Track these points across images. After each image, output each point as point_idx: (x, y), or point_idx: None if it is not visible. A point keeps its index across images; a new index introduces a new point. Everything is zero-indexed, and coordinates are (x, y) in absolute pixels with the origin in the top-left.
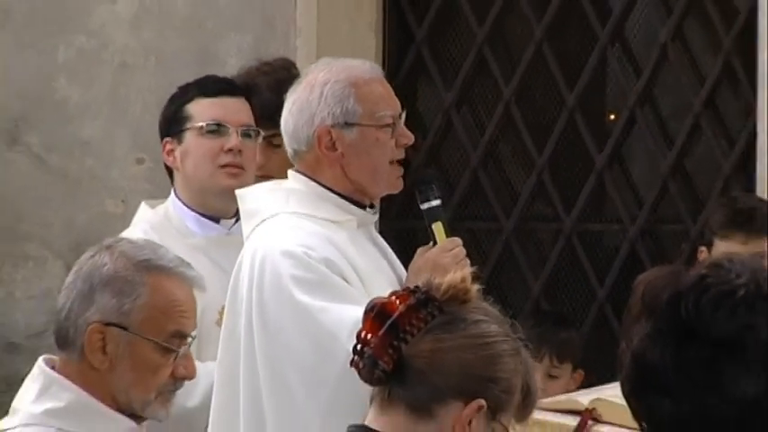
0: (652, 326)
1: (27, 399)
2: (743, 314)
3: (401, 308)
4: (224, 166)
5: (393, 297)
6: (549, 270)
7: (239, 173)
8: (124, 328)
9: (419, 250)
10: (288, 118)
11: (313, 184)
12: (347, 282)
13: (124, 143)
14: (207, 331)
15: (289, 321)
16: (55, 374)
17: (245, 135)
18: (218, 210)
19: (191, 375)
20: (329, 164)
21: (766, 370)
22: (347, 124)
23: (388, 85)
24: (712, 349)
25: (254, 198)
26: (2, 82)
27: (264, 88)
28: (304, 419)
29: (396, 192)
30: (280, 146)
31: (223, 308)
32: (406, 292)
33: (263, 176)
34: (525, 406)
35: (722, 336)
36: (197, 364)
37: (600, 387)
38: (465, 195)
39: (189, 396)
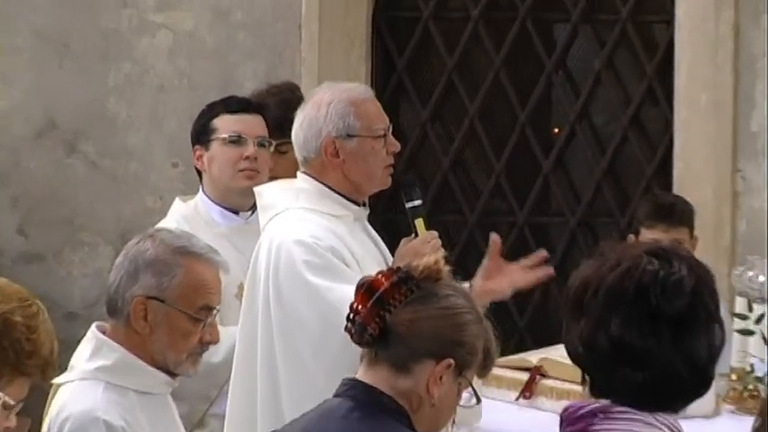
0: (625, 314)
1: (82, 357)
2: (693, 296)
3: (386, 284)
4: (243, 170)
5: (380, 276)
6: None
7: (255, 175)
8: (162, 302)
9: (403, 240)
10: (298, 131)
11: (319, 184)
12: (347, 265)
13: (161, 151)
14: (228, 302)
15: (301, 299)
16: (105, 338)
17: (261, 145)
18: (238, 204)
19: (215, 341)
20: (333, 168)
21: (707, 333)
22: (348, 136)
23: (379, 104)
24: (677, 326)
25: (270, 194)
26: (63, 101)
27: (273, 106)
28: (312, 378)
29: (386, 187)
30: (285, 152)
31: (241, 283)
32: (390, 272)
33: (272, 177)
34: (486, 365)
35: (683, 314)
36: (220, 328)
37: (546, 348)
38: (437, 194)
39: (214, 354)
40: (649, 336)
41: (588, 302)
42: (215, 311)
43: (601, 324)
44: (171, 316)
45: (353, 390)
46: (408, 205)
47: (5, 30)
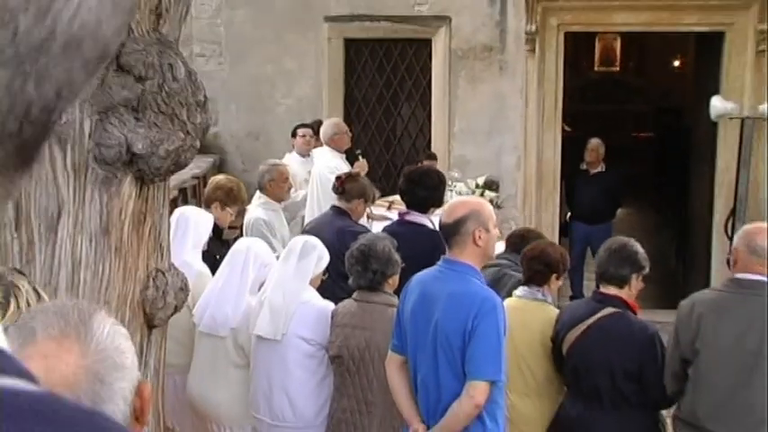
0: (410, 182)
1: (255, 199)
2: (437, 176)
3: (344, 177)
4: (305, 146)
5: (343, 174)
6: (383, 172)
7: (310, 147)
8: (274, 180)
9: (356, 163)
10: (322, 133)
11: (331, 149)
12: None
13: (283, 140)
14: (301, 185)
15: (326, 182)
16: (261, 194)
17: (311, 137)
18: (304, 155)
19: (291, 186)
20: (334, 144)
21: (439, 190)
22: (336, 134)
23: (345, 125)
24: (411, 183)
25: (317, 154)
26: (254, 124)
27: (315, 125)
28: (322, 204)
29: (348, 147)
30: (318, 139)
31: (306, 178)
32: (348, 173)
33: (314, 146)
34: (374, 201)
35: (433, 186)
36: (299, 191)
37: (394, 195)
38: (365, 152)
39: (297, 197)
40: (421, 188)
41: (403, 180)
42: (290, 178)
43: (405, 186)
44: (276, 182)
45: (333, 208)
46: (356, 152)
47: (229, 97)
